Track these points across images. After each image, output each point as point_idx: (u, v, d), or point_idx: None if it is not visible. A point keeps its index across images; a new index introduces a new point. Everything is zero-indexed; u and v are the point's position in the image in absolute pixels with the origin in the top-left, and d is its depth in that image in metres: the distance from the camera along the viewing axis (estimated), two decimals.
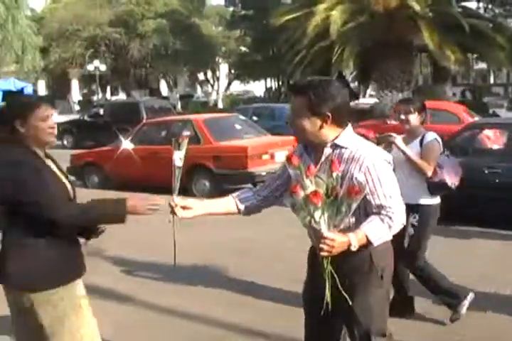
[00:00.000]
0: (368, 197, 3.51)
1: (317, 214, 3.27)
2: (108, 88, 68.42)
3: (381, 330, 3.78)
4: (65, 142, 29.84)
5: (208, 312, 6.47)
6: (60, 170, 3.93)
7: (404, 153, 5.77)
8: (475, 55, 40.28)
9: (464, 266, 7.71)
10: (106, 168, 15.58)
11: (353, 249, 3.39)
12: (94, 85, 60.79)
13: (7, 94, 34.49)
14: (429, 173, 5.80)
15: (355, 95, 42.72)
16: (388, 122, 20.26)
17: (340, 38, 31.41)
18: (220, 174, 13.88)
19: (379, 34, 32.09)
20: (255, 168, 13.67)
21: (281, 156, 14.43)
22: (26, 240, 3.61)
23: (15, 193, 3.51)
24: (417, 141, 5.90)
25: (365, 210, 3.59)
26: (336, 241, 3.31)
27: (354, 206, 3.32)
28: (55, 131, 3.78)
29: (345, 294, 3.49)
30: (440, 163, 5.92)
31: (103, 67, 52.36)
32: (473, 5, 49.35)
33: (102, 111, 31.16)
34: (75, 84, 70.30)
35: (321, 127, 3.59)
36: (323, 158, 3.62)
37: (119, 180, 15.13)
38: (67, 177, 3.93)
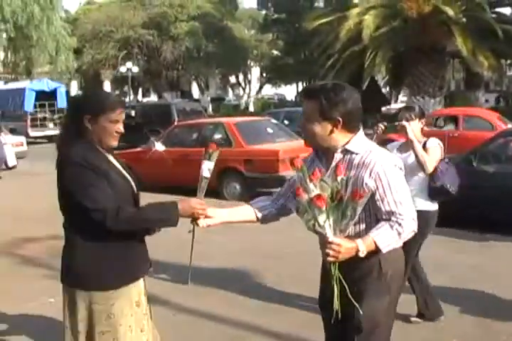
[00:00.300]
0: (378, 203, 3.47)
1: (321, 218, 3.24)
2: (140, 90, 68.78)
3: (385, 338, 3.74)
4: None
5: (233, 316, 6.48)
6: (122, 165, 3.87)
7: (411, 141, 5.89)
8: (508, 61, 40.07)
9: None
10: (137, 169, 15.61)
11: (361, 255, 3.35)
12: (126, 87, 61.10)
13: (40, 94, 34.89)
14: (430, 170, 5.91)
15: (386, 100, 42.59)
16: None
17: (372, 43, 31.37)
18: (250, 177, 13.85)
19: (412, 39, 32.02)
20: (286, 172, 13.61)
21: None
22: (83, 240, 3.59)
23: (75, 194, 3.49)
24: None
25: (376, 217, 3.54)
26: (343, 246, 3.27)
27: (359, 210, 3.28)
28: (118, 136, 3.70)
29: (354, 301, 3.45)
30: (442, 169, 6.04)
31: (135, 69, 52.56)
32: (507, 11, 49.01)
33: (133, 113, 31.38)
34: (107, 86, 70.66)
35: (331, 132, 3.55)
36: (333, 164, 3.57)
37: (151, 182, 15.17)
38: (129, 172, 3.88)
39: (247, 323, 6.31)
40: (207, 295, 7.28)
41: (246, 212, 3.96)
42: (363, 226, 3.52)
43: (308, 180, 3.33)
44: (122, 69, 52.38)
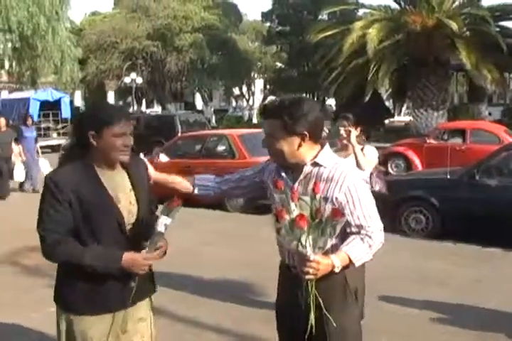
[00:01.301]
0: (348, 217, 3.46)
1: (303, 238, 3.21)
2: (144, 101, 68.86)
3: None
4: None
5: (240, 328, 6.48)
6: (136, 187, 3.65)
7: (353, 145, 6.40)
8: None
9: None
10: None
11: (337, 270, 3.35)
12: (129, 97, 61.18)
13: (45, 104, 35.00)
14: (365, 169, 6.23)
15: (389, 113, 42.65)
16: (428, 141, 20.11)
17: (376, 56, 31.46)
18: None
19: (415, 52, 32.15)
20: None
21: None
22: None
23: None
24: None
25: (345, 231, 3.52)
26: (321, 263, 3.26)
27: (339, 227, 3.26)
28: (129, 150, 3.49)
29: (329, 316, 3.45)
30: (379, 174, 6.64)
31: (139, 80, 52.63)
32: (511, 24, 49.03)
33: (137, 124, 31.44)
34: (110, 96, 70.80)
35: (299, 146, 3.53)
36: (301, 176, 3.56)
37: (153, 192, 15.21)
38: (140, 196, 3.65)
39: (244, 333, 6.32)
40: (204, 305, 7.30)
41: (187, 184, 4.22)
42: (335, 240, 3.44)
43: (290, 201, 3.30)
44: (126, 79, 52.46)
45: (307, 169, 3.57)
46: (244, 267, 8.96)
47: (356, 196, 3.50)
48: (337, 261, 3.34)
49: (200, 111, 53.06)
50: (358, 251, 3.45)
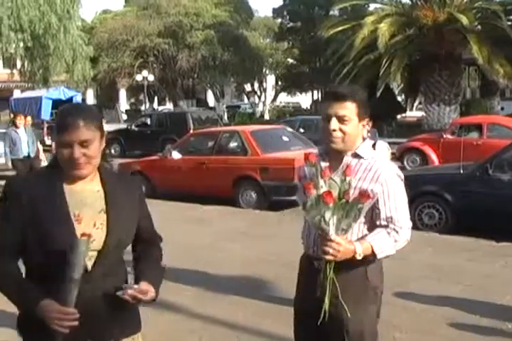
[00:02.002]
0: (379, 207, 3.53)
1: (327, 215, 3.25)
2: (155, 98, 68.90)
3: None
4: (113, 151, 30.14)
5: (255, 324, 6.49)
6: (112, 207, 3.00)
7: None
8: None
9: None
10: (153, 177, 15.68)
11: (358, 257, 3.36)
12: (141, 95, 61.24)
13: (58, 103, 35.10)
14: None
15: (402, 108, 42.52)
16: (445, 136, 20.05)
17: (387, 51, 31.38)
18: (266, 185, 13.89)
19: (427, 47, 32.05)
20: None
21: None
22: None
23: None
24: None
25: (374, 223, 3.58)
26: (342, 246, 3.29)
27: (364, 211, 3.32)
28: (82, 163, 2.89)
29: (344, 304, 3.45)
30: None
31: (151, 77, 52.68)
32: None
33: (149, 121, 31.55)
34: (122, 94, 70.94)
35: (361, 131, 3.65)
36: (340, 166, 3.59)
37: (166, 190, 15.25)
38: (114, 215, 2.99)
39: (259, 329, 6.33)
40: (218, 300, 7.32)
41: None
42: (361, 230, 3.55)
43: (319, 176, 3.36)
44: (138, 77, 52.53)
45: (347, 159, 3.63)
46: (259, 264, 8.98)
47: (392, 188, 3.57)
48: (359, 248, 3.38)
49: (212, 108, 53.09)
50: (382, 243, 3.48)
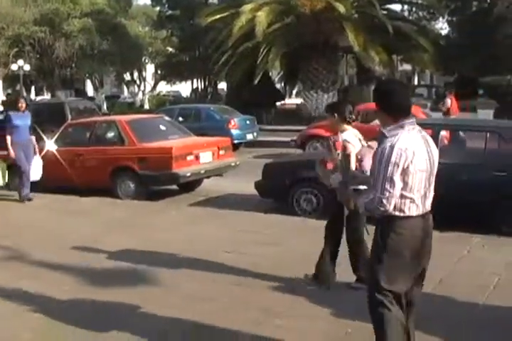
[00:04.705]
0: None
1: None
2: (33, 88, 67.39)
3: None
4: None
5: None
6: None
7: None
8: (399, 57, 41.06)
9: None
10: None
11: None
12: (18, 85, 59.79)
13: None
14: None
15: (281, 96, 42.98)
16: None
17: (265, 39, 31.61)
18: (144, 175, 13.72)
19: (305, 35, 32.44)
20: (180, 169, 13.57)
21: (206, 157, 14.41)
22: None
23: None
24: None
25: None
26: None
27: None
28: None
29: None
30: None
31: (27, 67, 51.39)
32: (397, 7, 50.11)
33: None
34: None
35: None
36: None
37: (43, 182, 14.87)
38: None
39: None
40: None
41: None
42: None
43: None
44: (13, 67, 51.22)
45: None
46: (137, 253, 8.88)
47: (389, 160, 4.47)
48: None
49: (92, 98, 52.35)
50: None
